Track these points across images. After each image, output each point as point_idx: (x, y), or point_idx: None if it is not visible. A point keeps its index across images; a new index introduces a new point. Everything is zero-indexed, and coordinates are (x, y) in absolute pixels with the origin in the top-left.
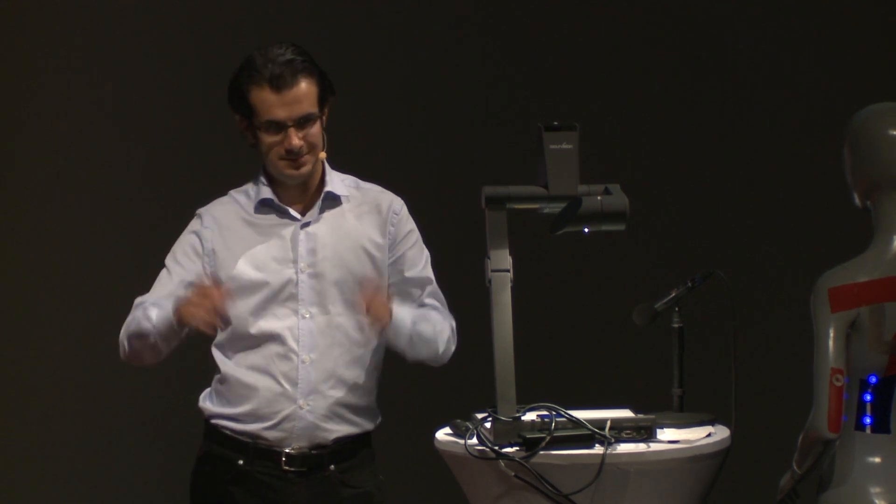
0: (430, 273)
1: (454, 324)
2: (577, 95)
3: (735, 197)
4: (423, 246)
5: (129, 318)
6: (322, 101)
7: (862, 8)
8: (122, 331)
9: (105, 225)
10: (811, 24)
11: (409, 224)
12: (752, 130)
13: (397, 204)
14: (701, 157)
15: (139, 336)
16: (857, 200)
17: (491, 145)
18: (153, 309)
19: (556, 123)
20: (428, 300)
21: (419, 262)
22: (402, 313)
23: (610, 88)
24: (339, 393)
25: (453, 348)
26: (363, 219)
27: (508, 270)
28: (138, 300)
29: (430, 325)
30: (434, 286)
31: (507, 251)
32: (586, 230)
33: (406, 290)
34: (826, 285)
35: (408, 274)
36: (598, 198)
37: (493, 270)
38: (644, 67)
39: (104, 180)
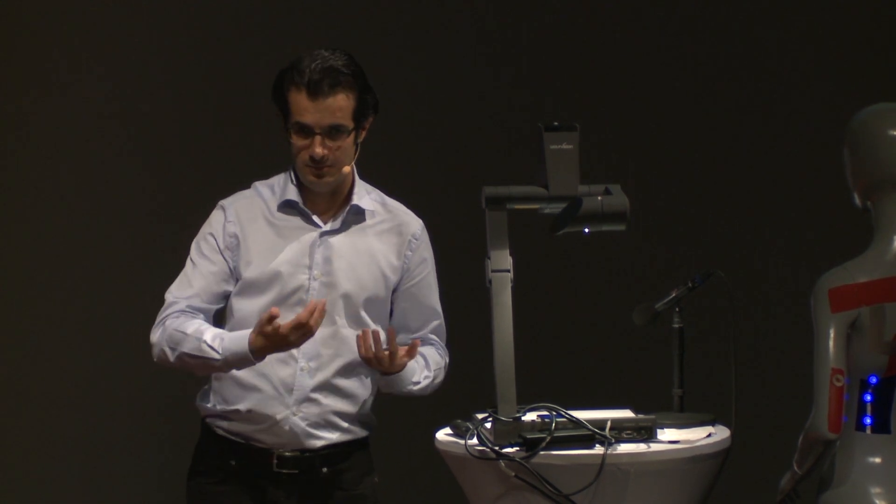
0: (437, 306)
1: (448, 361)
2: (577, 95)
3: (735, 197)
4: (435, 277)
5: (173, 329)
6: (359, 117)
7: (862, 8)
8: (163, 338)
9: (104, 223)
10: (811, 24)
11: (426, 252)
12: (752, 130)
13: (418, 229)
14: (701, 158)
15: (196, 358)
16: (857, 200)
17: (491, 145)
18: (208, 332)
19: (556, 123)
20: (431, 336)
21: (429, 294)
22: (410, 371)
23: (610, 88)
24: (333, 402)
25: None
26: (383, 238)
27: (509, 270)
28: (171, 297)
29: (428, 380)
30: (440, 322)
31: (507, 251)
32: (586, 230)
33: (410, 318)
34: (826, 286)
35: (416, 303)
36: (599, 198)
37: (494, 271)
38: (644, 67)
39: (103, 178)
